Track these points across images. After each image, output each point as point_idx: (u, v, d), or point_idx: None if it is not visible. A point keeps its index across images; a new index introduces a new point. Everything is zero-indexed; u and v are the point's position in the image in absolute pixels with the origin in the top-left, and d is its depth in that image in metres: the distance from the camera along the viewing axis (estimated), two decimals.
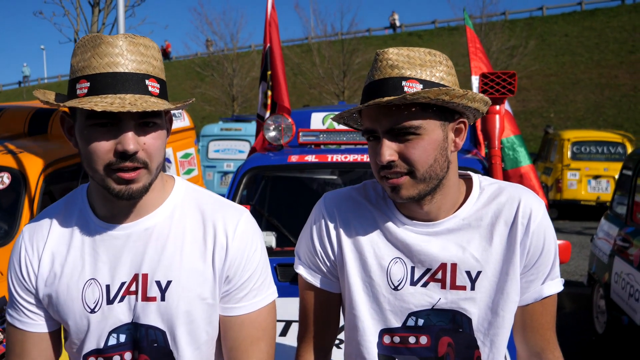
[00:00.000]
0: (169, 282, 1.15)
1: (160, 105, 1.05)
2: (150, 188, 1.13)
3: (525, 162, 3.30)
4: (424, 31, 30.70)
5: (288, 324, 2.07)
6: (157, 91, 1.08)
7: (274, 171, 2.95)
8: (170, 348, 1.17)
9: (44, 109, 3.14)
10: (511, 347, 1.33)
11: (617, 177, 9.19)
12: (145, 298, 1.15)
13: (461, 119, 1.18)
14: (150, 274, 1.15)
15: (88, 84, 1.04)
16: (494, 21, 21.89)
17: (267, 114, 3.27)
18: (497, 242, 1.19)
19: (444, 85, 1.11)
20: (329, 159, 2.80)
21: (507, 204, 1.20)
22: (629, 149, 9.70)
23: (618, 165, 9.43)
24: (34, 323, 1.20)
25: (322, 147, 3.12)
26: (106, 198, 1.15)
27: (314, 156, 2.82)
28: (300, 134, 3.06)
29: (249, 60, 23.12)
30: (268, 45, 3.41)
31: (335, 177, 3.02)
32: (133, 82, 1.04)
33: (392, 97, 1.07)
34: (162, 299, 1.14)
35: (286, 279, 2.41)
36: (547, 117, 19.80)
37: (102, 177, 1.08)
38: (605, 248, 4.48)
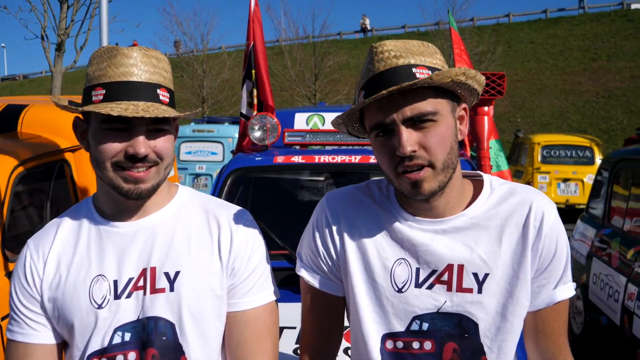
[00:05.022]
0: (177, 273, 1.16)
1: (170, 112, 1.12)
2: (157, 189, 1.17)
3: (504, 166, 3.33)
4: (394, 35, 31.05)
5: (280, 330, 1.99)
6: (167, 100, 1.14)
7: (259, 172, 2.85)
8: (180, 341, 1.16)
9: (13, 105, 2.97)
10: (519, 353, 1.28)
11: (585, 180, 9.51)
12: (154, 290, 1.16)
13: (463, 105, 1.16)
14: (158, 266, 1.16)
15: (104, 91, 1.09)
16: (463, 27, 22.31)
17: (255, 113, 3.17)
18: (506, 244, 1.15)
19: None
20: (316, 160, 2.72)
21: (519, 205, 1.17)
22: (597, 153, 10.00)
23: (586, 169, 9.72)
24: (37, 334, 1.18)
25: (307, 147, 3.05)
26: (113, 198, 1.18)
27: (300, 157, 2.74)
28: (286, 134, 2.97)
29: (219, 62, 22.90)
30: (252, 43, 3.31)
31: (322, 178, 2.95)
32: (146, 91, 1.11)
33: (416, 80, 1.03)
34: (172, 289, 1.16)
35: None
36: (514, 122, 20.24)
37: (111, 177, 1.12)
38: (583, 250, 4.54)
